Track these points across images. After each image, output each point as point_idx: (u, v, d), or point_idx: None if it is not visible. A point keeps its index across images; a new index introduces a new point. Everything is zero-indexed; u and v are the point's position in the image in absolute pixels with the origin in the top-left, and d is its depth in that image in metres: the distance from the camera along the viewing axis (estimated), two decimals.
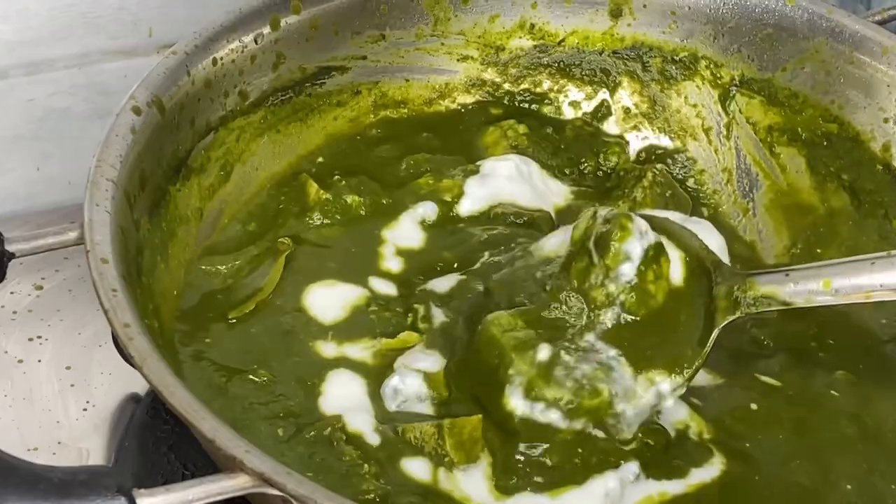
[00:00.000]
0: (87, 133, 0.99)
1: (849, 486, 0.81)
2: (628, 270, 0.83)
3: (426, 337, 0.87)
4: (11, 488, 0.64)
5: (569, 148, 1.05)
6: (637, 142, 1.07)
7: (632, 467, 0.80)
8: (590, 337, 0.83)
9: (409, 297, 0.90)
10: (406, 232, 0.96)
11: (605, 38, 1.06)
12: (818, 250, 0.98)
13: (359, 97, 1.04)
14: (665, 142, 1.07)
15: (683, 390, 0.84)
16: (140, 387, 0.93)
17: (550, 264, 0.86)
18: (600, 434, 0.81)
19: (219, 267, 0.91)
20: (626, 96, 1.07)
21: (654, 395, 0.83)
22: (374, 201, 0.97)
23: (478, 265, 0.92)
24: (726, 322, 0.86)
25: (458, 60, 1.06)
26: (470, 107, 1.07)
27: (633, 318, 0.84)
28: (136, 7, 1.10)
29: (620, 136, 1.07)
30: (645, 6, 1.05)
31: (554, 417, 0.81)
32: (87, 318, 0.97)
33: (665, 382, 0.83)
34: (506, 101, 1.08)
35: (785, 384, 0.88)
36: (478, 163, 1.01)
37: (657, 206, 0.98)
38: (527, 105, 1.08)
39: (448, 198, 0.98)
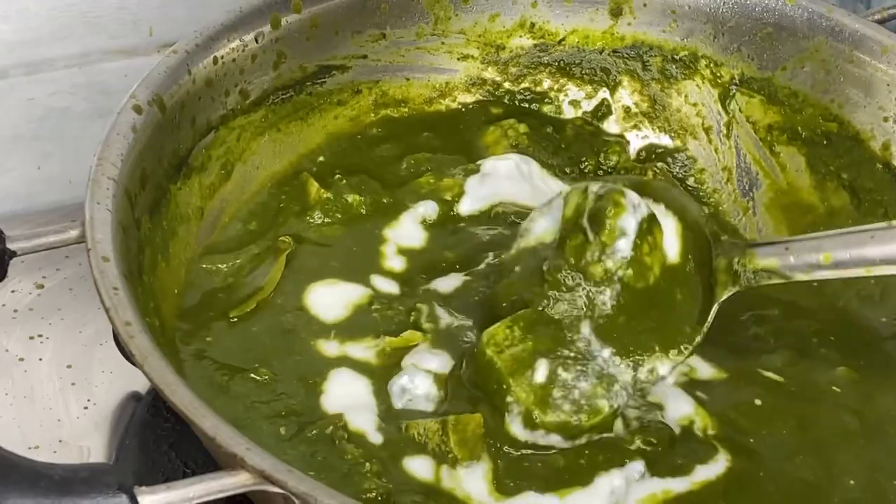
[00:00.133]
0: (88, 132, 1.00)
1: (852, 482, 0.82)
2: (624, 246, 0.84)
3: (431, 336, 0.87)
4: (13, 486, 0.64)
5: (569, 147, 1.05)
6: (637, 141, 1.07)
7: (637, 466, 0.80)
8: (586, 329, 0.83)
9: (412, 296, 0.90)
10: (407, 231, 0.96)
11: (606, 37, 1.06)
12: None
13: (359, 96, 1.04)
14: (665, 141, 1.07)
15: (681, 364, 0.84)
16: (141, 385, 0.93)
17: (547, 248, 0.86)
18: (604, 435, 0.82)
19: (220, 266, 0.91)
20: (626, 95, 1.07)
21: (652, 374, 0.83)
22: (374, 200, 0.97)
23: (482, 265, 0.92)
24: (726, 296, 0.86)
25: (458, 59, 1.06)
26: (470, 106, 1.07)
27: (633, 294, 0.84)
28: (137, 6, 1.10)
29: (621, 136, 1.07)
30: (645, 5, 1.05)
31: (555, 440, 0.81)
32: (88, 317, 0.97)
33: (665, 364, 0.84)
34: (506, 101, 1.08)
35: (788, 379, 0.88)
36: (478, 162, 1.01)
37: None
38: (527, 104, 1.08)
39: (448, 197, 0.98)
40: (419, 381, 0.83)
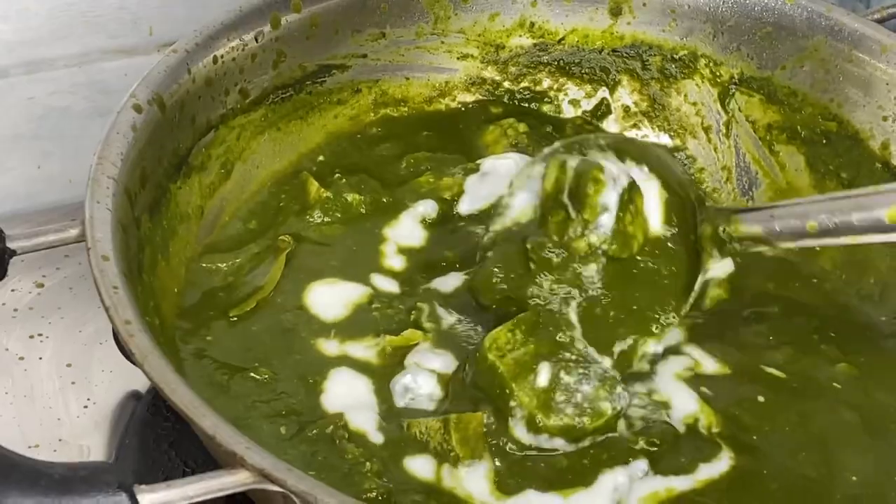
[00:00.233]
0: (88, 132, 1.00)
1: (854, 478, 0.82)
2: (607, 221, 0.84)
3: (432, 336, 0.87)
4: (13, 484, 0.64)
5: None
6: None
7: (641, 465, 0.80)
8: (574, 316, 0.83)
9: (412, 295, 0.90)
10: (407, 230, 0.96)
11: (605, 37, 1.06)
12: (817, 248, 0.98)
13: (359, 95, 1.04)
14: (665, 140, 1.07)
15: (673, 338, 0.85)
16: (141, 384, 0.93)
17: (526, 228, 0.87)
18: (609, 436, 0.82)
19: (219, 265, 0.91)
20: (625, 94, 1.08)
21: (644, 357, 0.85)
22: (374, 199, 0.97)
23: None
24: (713, 264, 0.86)
25: (458, 59, 1.06)
26: (470, 105, 1.08)
27: (618, 266, 0.85)
28: (136, 6, 1.10)
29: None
30: (644, 4, 1.05)
31: (559, 444, 0.81)
32: (88, 316, 0.97)
33: (656, 342, 0.85)
34: (506, 100, 1.08)
35: (789, 376, 0.88)
36: (478, 161, 1.01)
37: None
38: (527, 103, 1.08)
39: (448, 196, 0.98)
40: (422, 381, 0.83)
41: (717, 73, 1.04)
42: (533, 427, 0.81)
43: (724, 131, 1.04)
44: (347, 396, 0.83)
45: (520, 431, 0.81)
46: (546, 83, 1.08)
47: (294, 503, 0.67)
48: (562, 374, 0.82)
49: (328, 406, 0.83)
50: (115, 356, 0.91)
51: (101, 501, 0.64)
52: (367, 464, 0.78)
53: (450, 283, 0.91)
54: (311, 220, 0.96)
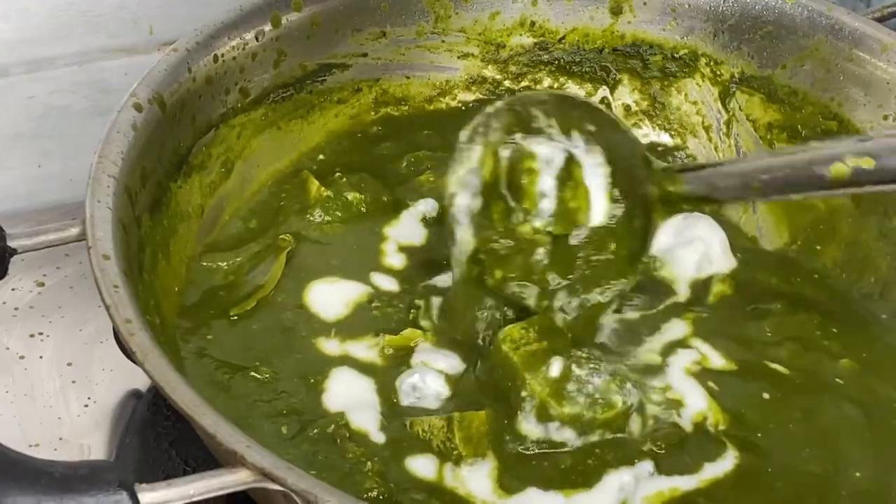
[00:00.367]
0: (88, 131, 1.00)
1: (858, 474, 0.82)
2: (548, 205, 0.85)
3: (431, 335, 0.87)
4: (13, 483, 0.64)
5: None
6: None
7: (647, 466, 0.80)
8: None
9: (413, 294, 0.90)
10: (407, 229, 0.96)
11: (606, 36, 1.06)
12: (817, 247, 0.98)
13: (360, 94, 1.04)
14: (665, 139, 1.07)
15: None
16: (141, 383, 0.93)
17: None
18: (617, 435, 0.82)
19: (220, 264, 0.91)
20: (626, 94, 1.08)
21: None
22: (374, 198, 0.97)
23: None
24: (663, 223, 0.88)
25: (458, 58, 1.06)
26: (471, 104, 1.07)
27: (565, 242, 0.86)
28: (137, 5, 1.10)
29: None
30: (645, 3, 1.05)
31: (569, 436, 0.81)
32: (89, 315, 0.97)
33: (609, 292, 0.87)
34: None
35: (793, 372, 0.88)
36: None
37: None
38: None
39: None
40: (430, 380, 0.83)
41: (718, 72, 1.04)
42: (543, 415, 0.81)
43: (725, 130, 1.04)
44: (349, 396, 0.83)
45: (528, 425, 0.81)
46: (546, 82, 1.08)
47: (295, 502, 0.67)
48: (574, 367, 0.82)
49: (329, 405, 0.83)
50: (116, 355, 0.90)
51: (102, 500, 0.64)
52: (368, 463, 0.78)
53: (450, 281, 0.91)
54: (311, 218, 0.96)
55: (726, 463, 0.82)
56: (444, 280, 0.91)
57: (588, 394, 0.81)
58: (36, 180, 1.12)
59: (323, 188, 0.97)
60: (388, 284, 0.91)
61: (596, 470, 0.80)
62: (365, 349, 0.86)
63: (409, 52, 1.04)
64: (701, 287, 0.93)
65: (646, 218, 0.88)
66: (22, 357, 0.95)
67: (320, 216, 0.96)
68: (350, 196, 0.97)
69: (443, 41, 1.05)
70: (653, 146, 1.06)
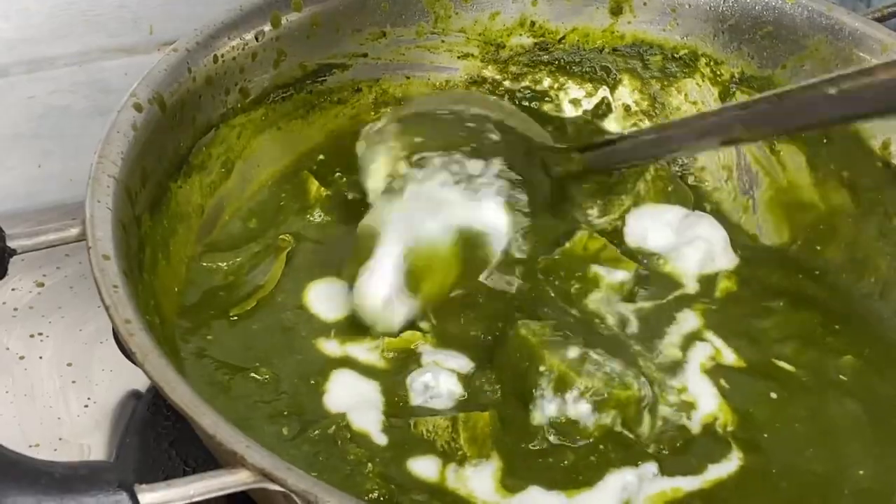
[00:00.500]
0: (88, 131, 0.99)
1: (861, 472, 0.82)
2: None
3: (431, 336, 0.87)
4: (13, 483, 0.64)
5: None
6: None
7: (651, 468, 0.81)
8: None
9: None
10: None
11: (606, 36, 1.06)
12: (818, 247, 0.98)
13: (360, 94, 1.04)
14: None
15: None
16: (141, 383, 0.93)
17: None
18: (625, 432, 0.82)
19: (220, 264, 0.91)
20: (626, 94, 1.07)
21: None
22: None
23: None
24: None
25: (458, 58, 1.06)
26: None
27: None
28: (137, 5, 1.10)
29: (621, 134, 1.07)
30: (645, 4, 1.05)
31: (584, 410, 0.81)
32: (89, 315, 0.97)
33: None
34: (506, 99, 1.08)
35: (799, 369, 0.89)
36: None
37: (660, 200, 0.98)
38: (527, 103, 1.08)
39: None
40: (443, 379, 0.84)
41: (718, 73, 1.04)
42: (561, 386, 0.81)
43: None
44: (349, 397, 0.83)
45: (544, 403, 0.81)
46: (546, 82, 1.08)
47: (295, 502, 0.67)
48: (590, 352, 0.83)
49: (330, 406, 0.83)
50: (116, 355, 0.90)
51: (102, 500, 0.64)
52: (370, 464, 0.78)
53: None
54: (311, 219, 0.96)
55: (730, 464, 0.82)
56: None
57: (606, 373, 0.82)
58: (36, 180, 1.12)
59: (323, 188, 0.97)
60: None
61: (598, 468, 0.80)
62: (365, 351, 0.86)
63: (409, 52, 1.04)
64: (707, 281, 0.94)
65: (560, 195, 0.92)
66: (22, 357, 0.95)
67: (320, 216, 0.96)
68: (350, 196, 0.97)
69: (443, 41, 1.05)
70: None
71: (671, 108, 1.06)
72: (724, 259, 0.96)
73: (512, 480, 0.79)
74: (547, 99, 1.08)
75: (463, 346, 0.86)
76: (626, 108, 1.07)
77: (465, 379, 0.84)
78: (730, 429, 0.84)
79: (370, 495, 0.77)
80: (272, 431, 0.80)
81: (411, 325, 0.88)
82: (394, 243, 0.86)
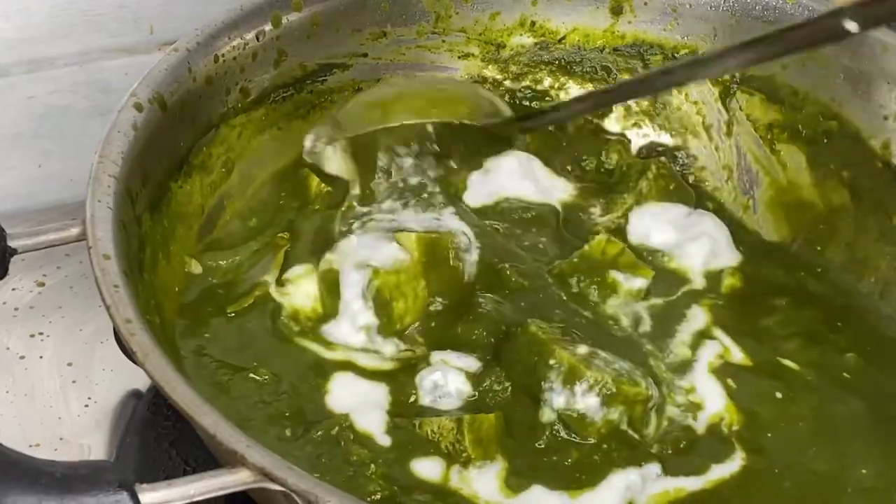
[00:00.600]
0: (88, 130, 0.99)
1: (864, 471, 0.82)
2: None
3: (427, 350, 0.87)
4: (13, 483, 0.64)
5: (570, 145, 1.05)
6: (638, 139, 1.07)
7: (654, 468, 0.81)
8: None
9: None
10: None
11: (606, 36, 1.06)
12: (818, 247, 0.98)
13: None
14: (666, 139, 1.07)
15: None
16: (141, 383, 0.93)
17: None
18: (630, 432, 0.82)
19: (220, 262, 0.91)
20: None
21: None
22: None
23: None
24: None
25: (458, 58, 1.06)
26: None
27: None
28: (137, 5, 1.10)
29: (622, 134, 1.07)
30: (646, 3, 1.05)
31: (592, 404, 0.81)
32: (89, 315, 0.97)
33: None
34: (507, 99, 1.08)
35: (803, 368, 0.89)
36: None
37: (662, 198, 0.99)
38: (528, 102, 1.08)
39: (451, 192, 0.98)
40: (452, 377, 0.83)
41: None
42: (570, 378, 0.81)
43: (726, 130, 1.04)
44: (351, 397, 0.83)
45: (552, 396, 0.81)
46: (547, 82, 1.08)
47: (295, 502, 0.67)
48: (599, 350, 0.84)
49: (333, 407, 0.82)
50: (116, 355, 0.90)
51: (102, 500, 0.64)
52: (373, 465, 0.78)
53: None
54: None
55: (734, 464, 0.82)
56: None
57: (615, 369, 0.82)
58: (36, 180, 1.12)
59: (324, 184, 0.97)
60: None
61: (602, 468, 0.80)
62: (367, 352, 0.86)
63: (410, 52, 1.04)
64: (713, 277, 0.94)
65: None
66: (22, 357, 0.95)
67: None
68: None
69: (443, 41, 1.05)
70: (653, 146, 1.06)
71: (671, 107, 1.06)
72: (727, 256, 0.96)
73: (515, 480, 0.79)
74: (547, 99, 1.08)
75: (470, 348, 0.86)
76: (627, 108, 1.07)
77: (473, 377, 0.84)
78: (735, 429, 0.84)
79: (373, 496, 0.76)
80: (274, 432, 0.80)
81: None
82: (354, 276, 0.87)
